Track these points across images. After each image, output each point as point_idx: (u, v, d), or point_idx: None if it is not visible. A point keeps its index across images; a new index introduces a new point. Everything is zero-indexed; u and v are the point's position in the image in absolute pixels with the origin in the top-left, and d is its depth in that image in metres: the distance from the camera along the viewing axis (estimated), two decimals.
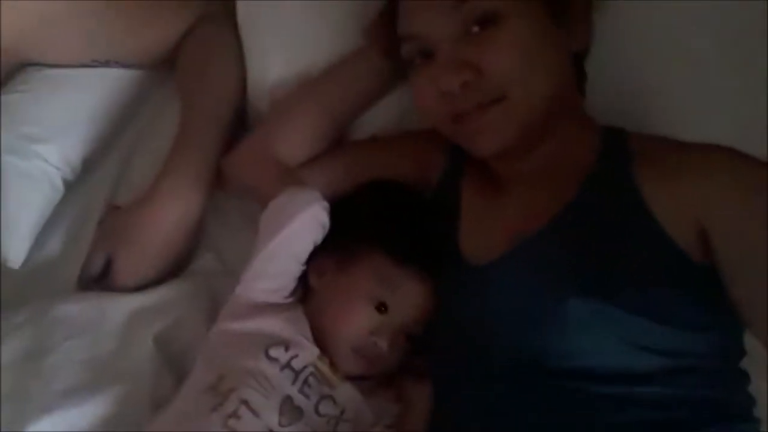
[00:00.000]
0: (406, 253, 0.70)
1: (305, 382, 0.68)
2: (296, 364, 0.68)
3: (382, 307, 0.69)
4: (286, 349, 0.69)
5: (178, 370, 0.73)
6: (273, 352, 0.68)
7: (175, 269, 0.82)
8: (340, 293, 0.71)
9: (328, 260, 0.73)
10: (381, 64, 0.81)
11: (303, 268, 0.73)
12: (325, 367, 0.69)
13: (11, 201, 0.80)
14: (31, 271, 0.82)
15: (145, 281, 0.78)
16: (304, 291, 0.75)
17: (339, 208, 0.73)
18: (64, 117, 0.85)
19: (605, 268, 0.61)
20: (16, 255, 0.81)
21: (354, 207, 0.75)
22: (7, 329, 0.71)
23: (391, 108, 0.87)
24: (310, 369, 0.68)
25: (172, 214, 0.79)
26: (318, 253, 0.73)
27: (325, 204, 0.72)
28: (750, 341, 0.64)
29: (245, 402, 0.65)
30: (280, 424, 0.65)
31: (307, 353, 0.69)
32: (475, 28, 0.66)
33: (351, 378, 0.70)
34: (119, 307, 0.74)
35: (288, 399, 0.66)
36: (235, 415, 0.64)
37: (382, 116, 0.88)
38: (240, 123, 0.89)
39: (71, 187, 0.87)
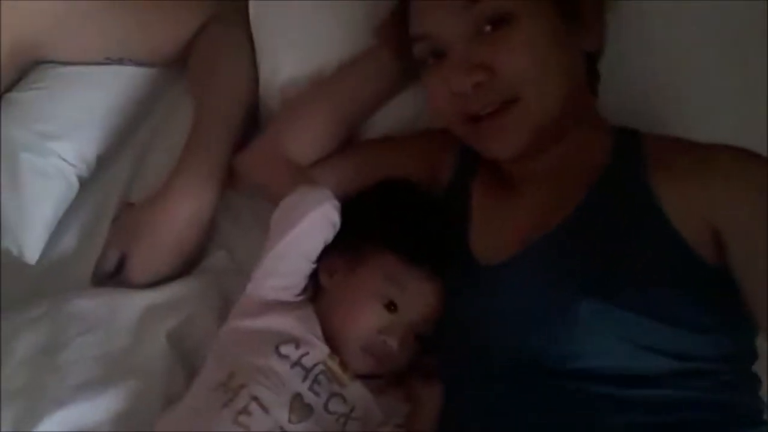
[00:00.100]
0: (415, 253, 0.70)
1: (315, 379, 0.68)
2: (306, 361, 0.69)
3: (391, 306, 0.70)
4: (297, 346, 0.69)
5: (189, 367, 0.74)
6: (283, 350, 0.68)
7: (187, 266, 0.82)
8: (350, 292, 0.71)
9: (339, 259, 0.73)
10: (392, 64, 0.82)
11: (313, 266, 0.73)
12: (335, 366, 0.69)
13: (27, 197, 0.81)
14: (47, 267, 0.83)
15: (158, 278, 0.79)
16: (314, 290, 0.75)
17: (349, 208, 0.73)
18: (79, 114, 0.86)
19: (616, 269, 0.61)
20: (32, 251, 0.82)
21: (364, 206, 0.75)
22: (23, 324, 0.72)
23: (404, 108, 0.88)
24: (321, 367, 0.69)
25: (184, 212, 0.80)
26: (328, 252, 0.73)
27: (336, 203, 0.72)
28: (762, 345, 0.64)
29: (255, 398, 0.65)
30: (290, 421, 0.65)
31: (318, 351, 0.69)
32: (488, 28, 0.66)
33: (361, 376, 0.70)
34: (132, 304, 0.75)
35: (298, 396, 0.67)
36: (245, 411, 0.64)
37: (395, 116, 0.88)
38: (252, 122, 0.90)
39: (86, 184, 0.88)
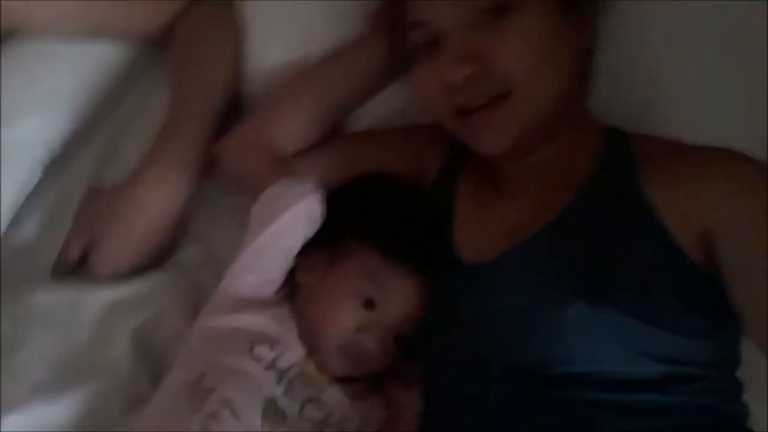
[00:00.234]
0: (395, 248, 0.67)
1: (290, 383, 0.65)
2: (281, 363, 0.65)
3: (369, 304, 0.66)
4: (271, 347, 0.65)
5: (156, 368, 0.70)
6: (257, 351, 0.65)
7: (157, 260, 0.78)
8: (327, 289, 0.68)
9: (316, 255, 0.70)
10: (381, 55, 0.79)
11: (292, 263, 0.69)
12: (311, 368, 0.66)
13: None
14: (4, 257, 0.78)
15: (125, 270, 0.75)
16: (290, 288, 0.71)
17: (329, 201, 0.70)
18: (49, 92, 0.81)
19: (606, 271, 0.59)
20: None
21: (344, 199, 0.72)
22: None
23: (391, 101, 0.84)
24: (296, 369, 0.65)
25: (156, 201, 0.76)
26: (306, 248, 0.70)
27: (319, 196, 0.69)
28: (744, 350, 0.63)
29: (226, 402, 0.61)
30: (262, 428, 0.62)
31: (293, 352, 0.66)
32: (486, 18, 0.63)
33: (338, 380, 0.67)
34: (96, 298, 0.71)
35: (272, 402, 0.63)
36: (215, 416, 0.61)
37: (382, 109, 0.85)
38: (235, 109, 0.86)
39: (51, 168, 0.83)
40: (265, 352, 0.65)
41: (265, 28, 0.84)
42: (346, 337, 0.66)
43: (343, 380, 0.67)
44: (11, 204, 0.79)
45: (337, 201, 0.71)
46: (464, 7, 0.64)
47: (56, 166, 0.84)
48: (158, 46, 0.88)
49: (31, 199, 0.82)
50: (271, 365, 0.65)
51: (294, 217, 0.67)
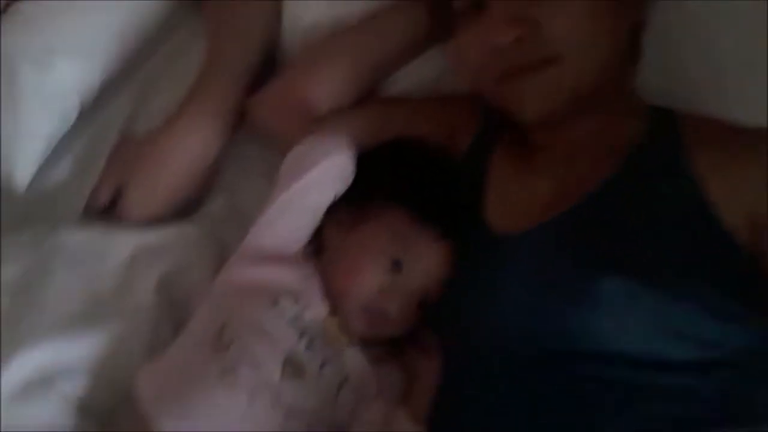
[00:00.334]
0: (425, 210, 0.66)
1: (312, 340, 0.64)
2: (304, 319, 0.64)
3: (396, 266, 0.65)
4: (295, 301, 0.65)
5: (178, 318, 0.70)
6: (281, 304, 0.64)
7: (185, 210, 0.78)
8: (354, 248, 0.67)
9: (345, 214, 0.68)
10: (423, 19, 0.77)
11: (319, 221, 0.69)
12: (333, 327, 0.65)
13: (23, 115, 0.75)
14: (36, 197, 0.78)
15: (154, 216, 0.75)
16: (316, 246, 0.70)
17: (360, 162, 0.69)
18: (87, 34, 0.80)
19: (644, 247, 0.58)
20: (22, 175, 0.77)
21: (376, 161, 0.70)
22: (6, 251, 0.68)
23: (426, 69, 0.83)
24: (318, 327, 0.65)
25: (188, 148, 0.75)
26: (334, 206, 0.69)
27: (351, 153, 0.68)
28: None
29: (247, 353, 0.61)
30: (281, 381, 0.61)
31: (316, 309, 0.65)
32: None
33: (359, 343, 0.66)
34: (124, 242, 0.70)
35: (292, 356, 0.63)
36: (235, 366, 0.60)
37: (416, 76, 0.83)
38: (270, 66, 0.84)
39: (86, 113, 0.82)
40: (288, 307, 0.64)
41: None
42: (370, 298, 0.65)
43: (364, 343, 0.67)
44: (47, 141, 0.79)
45: (368, 162, 0.70)
46: None
47: (89, 113, 0.83)
48: (194, 2, 0.87)
49: (64, 143, 0.81)
50: (293, 320, 0.64)
51: (323, 173, 0.66)
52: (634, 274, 0.56)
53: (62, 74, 0.78)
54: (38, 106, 0.76)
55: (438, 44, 0.81)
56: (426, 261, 0.66)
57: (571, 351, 0.57)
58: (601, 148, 0.66)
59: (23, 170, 0.77)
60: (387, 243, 0.66)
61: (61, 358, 0.62)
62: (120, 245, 0.70)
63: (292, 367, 0.62)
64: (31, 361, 0.61)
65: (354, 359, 0.65)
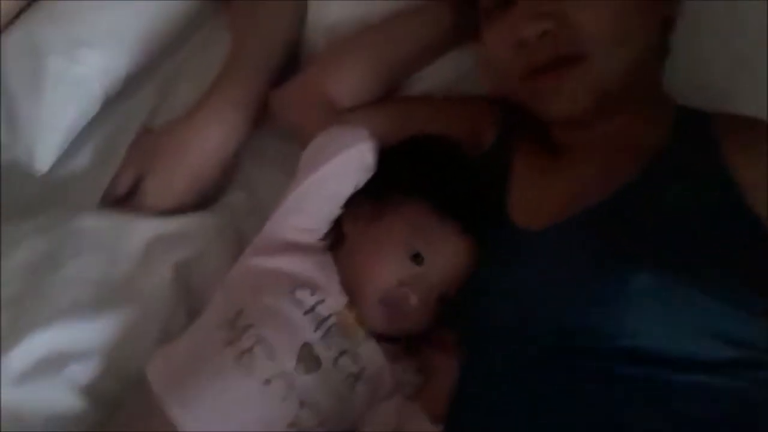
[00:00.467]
0: (447, 203, 0.65)
1: (328, 331, 0.62)
2: (321, 310, 0.63)
3: (417, 258, 0.64)
4: (313, 292, 0.63)
5: (193, 306, 0.69)
6: (298, 294, 0.63)
7: (203, 200, 0.77)
8: (374, 239, 0.66)
9: (365, 207, 0.67)
10: (447, 19, 0.77)
11: (339, 211, 0.67)
12: (350, 319, 0.63)
13: (47, 101, 0.76)
14: (56, 183, 0.78)
15: (172, 206, 0.74)
16: (335, 239, 0.69)
17: (381, 156, 0.68)
18: (114, 27, 0.81)
19: (677, 242, 0.56)
20: (43, 159, 0.77)
21: (397, 155, 0.69)
22: (23, 233, 0.67)
23: (447, 69, 0.83)
24: (335, 319, 0.63)
25: (210, 138, 0.75)
26: (355, 198, 0.68)
27: (373, 145, 0.67)
28: None
29: (262, 340, 0.60)
30: (296, 371, 0.60)
31: (334, 300, 0.64)
32: None
33: (376, 338, 0.64)
34: (141, 229, 0.70)
35: (307, 346, 0.61)
36: (249, 352, 0.59)
37: (437, 77, 0.83)
38: (293, 63, 0.84)
39: (109, 104, 0.83)
40: (306, 297, 0.63)
41: None
42: (389, 290, 0.64)
43: (381, 339, 0.65)
44: (70, 128, 0.79)
45: (390, 156, 0.69)
46: None
47: (113, 105, 0.84)
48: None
49: (86, 133, 0.82)
50: (311, 310, 0.63)
51: (343, 163, 0.65)
52: (668, 268, 0.54)
53: (87, 65, 0.78)
54: (62, 94, 0.77)
55: (461, 45, 0.81)
56: (447, 255, 0.65)
57: (598, 348, 0.55)
58: (627, 146, 0.64)
59: (44, 155, 0.77)
60: (407, 235, 0.64)
61: (73, 341, 0.61)
62: (137, 232, 0.69)
63: (307, 357, 0.61)
64: (41, 343, 0.60)
65: (370, 353, 0.64)
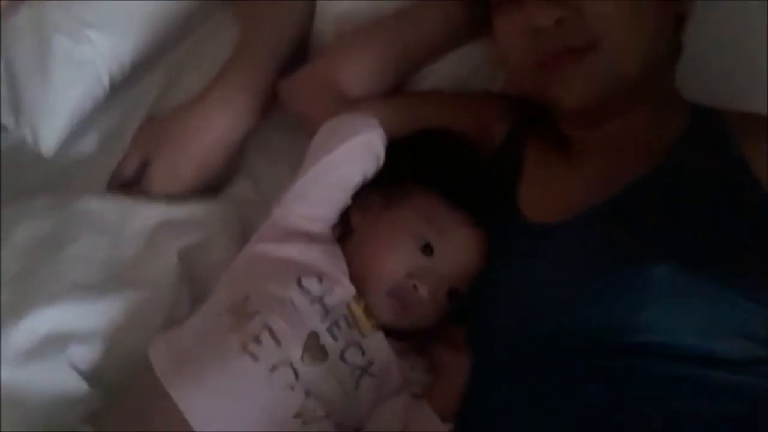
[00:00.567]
0: (457, 196, 0.64)
1: (335, 322, 0.61)
2: (329, 300, 0.61)
3: (427, 249, 0.63)
4: (320, 281, 0.62)
5: (197, 293, 0.67)
6: (305, 283, 0.61)
7: (208, 187, 0.76)
8: (384, 229, 0.65)
9: (374, 198, 0.66)
10: (458, 12, 0.77)
11: (348, 201, 0.66)
12: (359, 310, 0.62)
13: (54, 82, 0.75)
14: (61, 166, 0.77)
15: (178, 191, 0.73)
16: (342, 232, 0.68)
17: (394, 148, 0.67)
18: (123, 9, 0.80)
19: (696, 235, 0.55)
20: (49, 141, 0.76)
21: (407, 147, 0.68)
22: (27, 212, 0.66)
23: (459, 66, 0.82)
24: (343, 309, 0.62)
25: (218, 123, 0.74)
26: (364, 191, 0.66)
27: (383, 133, 0.66)
28: None
29: (268, 328, 0.58)
30: (302, 360, 0.58)
31: (342, 291, 0.62)
32: None
33: (384, 332, 0.63)
34: (147, 213, 0.69)
35: (314, 335, 0.60)
36: (256, 339, 0.58)
37: (449, 73, 0.82)
38: (302, 53, 0.84)
39: (116, 90, 0.82)
40: (313, 285, 0.62)
41: None
42: (398, 281, 0.62)
43: (389, 334, 0.63)
44: (76, 111, 0.78)
45: (399, 148, 0.68)
46: None
47: (120, 91, 0.83)
48: None
49: (93, 118, 0.81)
50: (318, 300, 0.61)
51: (352, 149, 0.64)
52: (688, 261, 0.53)
53: (94, 47, 0.78)
54: (67, 75, 0.76)
55: (471, 41, 0.81)
56: (457, 246, 0.64)
57: (614, 342, 0.54)
58: (639, 143, 0.64)
59: (49, 136, 0.76)
60: (417, 225, 0.63)
61: (75, 323, 0.60)
62: (143, 216, 0.68)
63: (313, 347, 0.59)
64: (42, 323, 0.59)
65: (378, 346, 0.62)
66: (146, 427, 0.55)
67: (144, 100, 0.83)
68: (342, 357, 0.60)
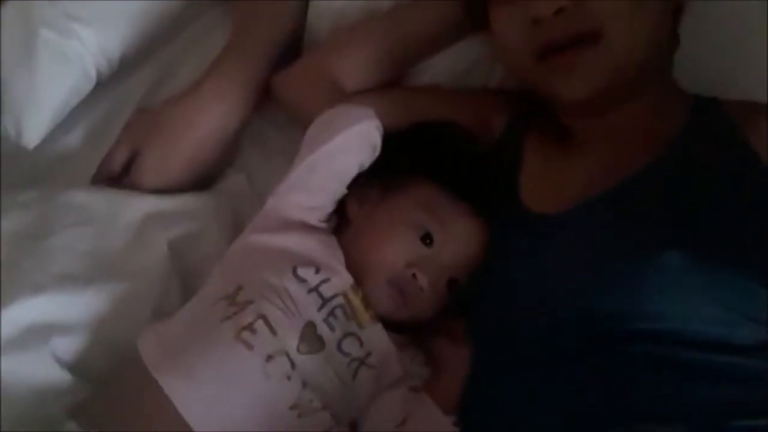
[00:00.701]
0: (457, 185, 0.62)
1: (332, 312, 0.59)
2: (326, 290, 0.60)
3: (427, 239, 0.61)
4: (317, 271, 0.60)
5: (188, 286, 0.65)
6: (301, 272, 0.60)
7: (200, 182, 0.74)
8: (383, 218, 0.63)
9: (372, 188, 0.65)
10: (455, 8, 0.76)
11: (344, 191, 0.65)
12: (356, 300, 0.60)
13: (39, 76, 0.73)
14: (46, 160, 0.75)
15: (167, 185, 0.71)
16: (339, 222, 0.66)
17: (392, 140, 0.65)
18: (111, 5, 0.78)
19: (707, 221, 0.54)
20: (32, 134, 0.74)
21: (406, 138, 0.67)
22: (10, 205, 0.64)
23: (456, 61, 0.81)
24: (340, 299, 0.60)
25: (210, 114, 0.72)
26: (361, 181, 0.65)
27: (379, 124, 0.64)
28: None
29: (263, 317, 0.56)
30: (299, 350, 0.56)
31: (339, 280, 0.60)
32: None
33: (383, 324, 0.61)
34: (135, 205, 0.67)
35: (311, 325, 0.58)
36: (250, 328, 0.56)
37: (446, 68, 0.82)
38: (296, 51, 0.82)
39: (104, 85, 0.80)
40: (309, 275, 0.60)
41: None
42: (397, 270, 0.61)
43: (388, 327, 0.61)
44: (61, 105, 0.76)
45: (396, 139, 0.66)
46: None
47: (108, 87, 0.81)
48: None
49: (79, 113, 0.79)
50: (314, 289, 0.59)
51: (348, 139, 0.63)
52: (699, 247, 0.52)
53: (82, 42, 0.76)
54: (53, 68, 0.74)
55: (469, 36, 0.80)
56: (457, 235, 0.62)
57: (625, 330, 0.53)
58: (643, 131, 0.63)
59: (32, 130, 0.74)
60: (416, 215, 0.62)
61: (58, 313, 0.58)
62: (131, 208, 0.66)
63: (310, 337, 0.57)
64: (25, 313, 0.56)
65: (376, 337, 0.60)
66: (135, 420, 0.52)
67: (132, 97, 0.81)
68: (339, 347, 0.58)
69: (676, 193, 0.57)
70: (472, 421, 0.59)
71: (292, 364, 0.55)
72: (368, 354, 0.60)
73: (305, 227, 0.64)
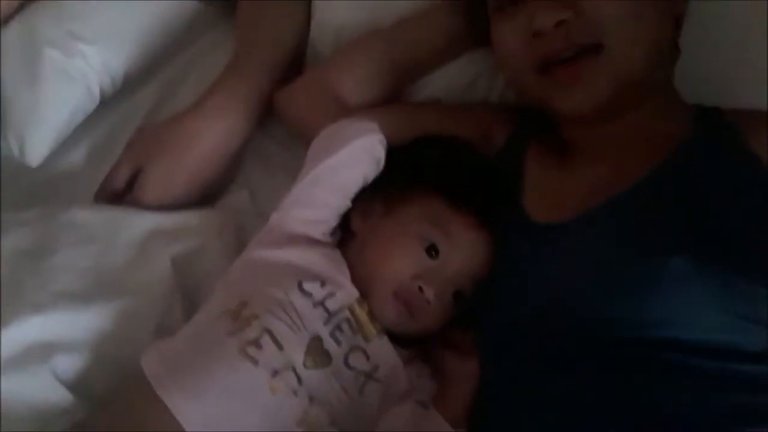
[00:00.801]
0: (465, 198, 0.62)
1: (338, 326, 0.58)
2: (331, 304, 0.59)
3: (432, 251, 0.61)
4: (322, 285, 0.59)
5: (191, 303, 0.64)
6: (307, 287, 0.59)
7: (202, 199, 0.74)
8: (388, 231, 0.62)
9: (376, 201, 0.64)
10: (456, 22, 0.76)
11: (348, 205, 0.64)
12: (362, 314, 0.59)
13: (42, 94, 0.73)
14: (49, 179, 0.75)
15: (171, 203, 0.71)
16: (342, 238, 0.66)
17: (396, 154, 0.65)
18: (115, 24, 0.79)
19: (711, 226, 0.53)
20: (35, 153, 0.74)
21: (413, 152, 0.67)
22: (12, 223, 0.63)
23: (458, 76, 0.82)
24: (346, 313, 0.59)
25: (213, 131, 0.72)
26: (365, 195, 0.65)
27: (383, 138, 0.64)
28: None
29: (269, 331, 0.56)
30: (305, 365, 0.55)
31: (345, 294, 0.60)
32: None
33: (389, 337, 0.60)
34: (137, 223, 0.66)
35: (317, 339, 0.57)
36: (256, 343, 0.55)
37: (447, 83, 0.82)
38: (298, 68, 0.83)
39: (108, 103, 0.81)
40: (315, 289, 0.59)
41: None
42: (403, 283, 0.60)
43: (394, 341, 0.61)
44: (64, 124, 0.76)
45: (400, 153, 0.66)
46: None
47: (111, 106, 0.81)
48: (225, 8, 0.87)
49: (83, 131, 0.79)
50: (320, 303, 0.59)
51: (352, 153, 0.63)
52: (702, 253, 0.52)
53: (86, 61, 0.77)
54: (57, 87, 0.75)
55: (470, 51, 0.80)
56: (465, 248, 0.62)
57: (630, 338, 0.52)
58: (645, 141, 0.63)
59: (36, 148, 0.74)
60: (421, 227, 0.61)
61: (59, 332, 0.57)
62: (134, 225, 0.66)
63: (316, 351, 0.56)
64: (26, 332, 0.55)
65: (383, 350, 0.60)
66: None
67: (136, 115, 0.81)
68: (346, 361, 0.58)
69: (679, 200, 0.56)
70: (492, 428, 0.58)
71: (299, 379, 0.54)
72: (375, 368, 0.59)
73: (310, 241, 0.63)
